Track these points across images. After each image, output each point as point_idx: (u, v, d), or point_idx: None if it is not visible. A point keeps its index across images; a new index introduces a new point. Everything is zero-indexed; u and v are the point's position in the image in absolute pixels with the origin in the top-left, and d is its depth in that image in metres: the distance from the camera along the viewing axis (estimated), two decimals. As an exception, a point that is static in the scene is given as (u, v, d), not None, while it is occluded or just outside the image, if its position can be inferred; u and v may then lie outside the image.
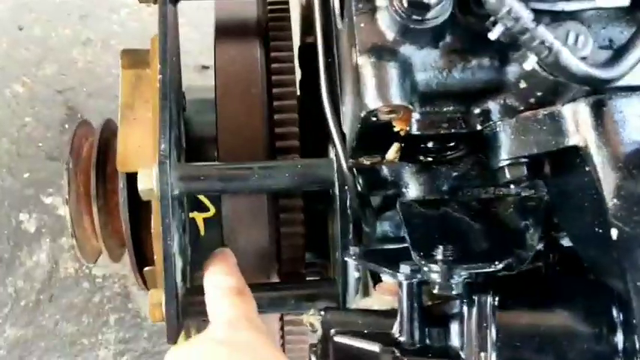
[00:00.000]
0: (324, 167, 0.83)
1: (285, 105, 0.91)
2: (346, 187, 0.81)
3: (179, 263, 0.83)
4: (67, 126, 1.80)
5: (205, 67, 1.80)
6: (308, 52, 0.97)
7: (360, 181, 0.79)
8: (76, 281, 1.67)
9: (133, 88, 1.09)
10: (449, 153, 0.68)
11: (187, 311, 0.84)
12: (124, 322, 1.64)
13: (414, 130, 0.61)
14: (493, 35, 0.56)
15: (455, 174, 0.76)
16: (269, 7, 0.99)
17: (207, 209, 1.03)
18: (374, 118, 0.57)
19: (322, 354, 0.75)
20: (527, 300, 0.69)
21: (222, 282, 0.78)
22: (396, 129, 0.59)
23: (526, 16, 0.55)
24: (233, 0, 0.99)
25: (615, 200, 0.59)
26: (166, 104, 0.83)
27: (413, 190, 0.78)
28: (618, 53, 0.59)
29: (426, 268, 0.64)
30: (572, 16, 0.60)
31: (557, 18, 0.59)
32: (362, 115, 0.57)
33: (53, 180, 1.74)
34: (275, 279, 0.94)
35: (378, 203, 0.86)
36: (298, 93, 0.95)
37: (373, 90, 0.57)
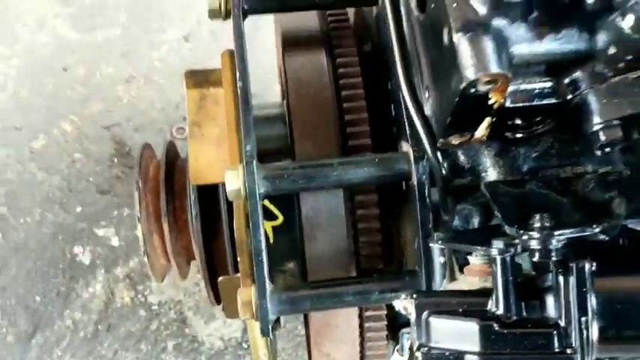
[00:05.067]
0: (401, 160, 0.86)
1: (355, 106, 0.95)
2: (423, 178, 0.84)
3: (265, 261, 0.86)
4: (115, 160, 1.84)
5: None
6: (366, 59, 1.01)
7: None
8: (132, 310, 1.69)
9: (199, 107, 1.13)
10: (535, 128, 0.71)
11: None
12: (182, 347, 1.66)
13: (508, 103, 0.64)
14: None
15: (534, 154, 0.79)
16: (330, 19, 1.04)
17: (275, 217, 1.06)
18: (472, 90, 0.60)
19: (418, 336, 0.77)
20: (622, 266, 0.71)
21: None
22: (491, 101, 0.62)
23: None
24: (295, 14, 1.03)
25: None
26: (248, 108, 0.87)
27: (492, 173, 0.81)
28: None
29: (525, 237, 0.66)
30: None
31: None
32: (462, 87, 0.60)
33: (105, 213, 1.78)
34: (354, 276, 0.96)
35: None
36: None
37: (472, 61, 0.60)
